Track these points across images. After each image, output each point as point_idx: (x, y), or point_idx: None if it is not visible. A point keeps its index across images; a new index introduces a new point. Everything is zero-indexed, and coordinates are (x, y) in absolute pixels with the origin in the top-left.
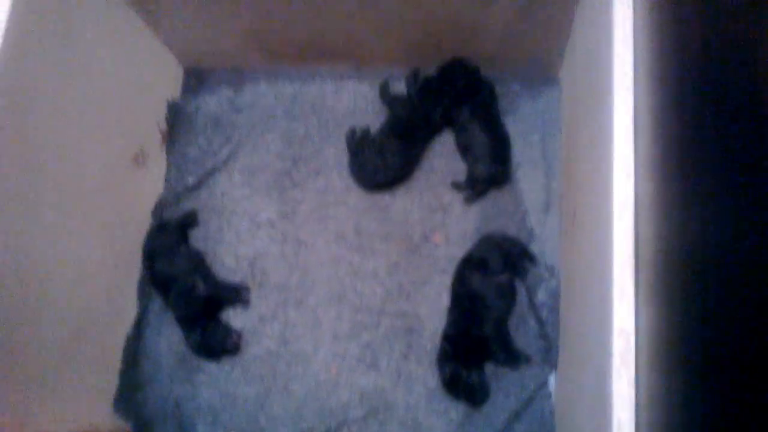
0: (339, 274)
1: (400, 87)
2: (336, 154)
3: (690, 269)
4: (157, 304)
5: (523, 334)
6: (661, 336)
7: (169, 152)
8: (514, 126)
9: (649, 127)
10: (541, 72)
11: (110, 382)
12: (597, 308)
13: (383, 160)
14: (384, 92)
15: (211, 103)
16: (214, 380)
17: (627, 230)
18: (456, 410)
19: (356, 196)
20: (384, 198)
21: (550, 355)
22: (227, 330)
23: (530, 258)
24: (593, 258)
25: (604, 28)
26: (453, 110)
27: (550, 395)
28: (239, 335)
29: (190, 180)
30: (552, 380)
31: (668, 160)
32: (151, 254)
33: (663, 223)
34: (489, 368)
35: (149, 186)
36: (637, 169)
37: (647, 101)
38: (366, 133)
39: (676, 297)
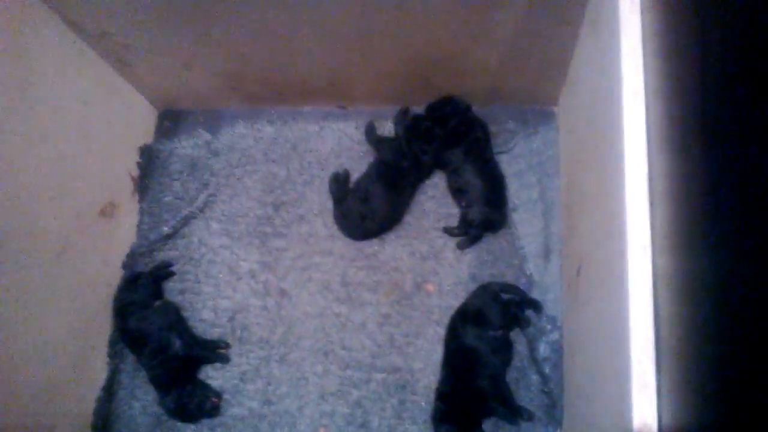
0: (325, 328)
1: (387, 127)
2: (320, 199)
3: (721, 356)
4: (129, 363)
5: (525, 389)
6: None
7: (141, 200)
8: (509, 166)
9: (666, 191)
10: (537, 107)
11: None
12: (612, 394)
13: (369, 208)
14: (370, 133)
15: (187, 146)
16: None
17: (645, 309)
18: None
19: (342, 243)
20: (372, 245)
21: (554, 413)
22: (206, 390)
23: (534, 306)
24: (605, 332)
25: (610, 64)
26: (444, 151)
27: None
28: (219, 395)
29: (165, 229)
30: None
31: (691, 230)
32: (122, 310)
33: (686, 302)
34: (488, 426)
35: (120, 237)
36: (654, 239)
37: (663, 156)
38: (347, 177)
39: (704, 389)
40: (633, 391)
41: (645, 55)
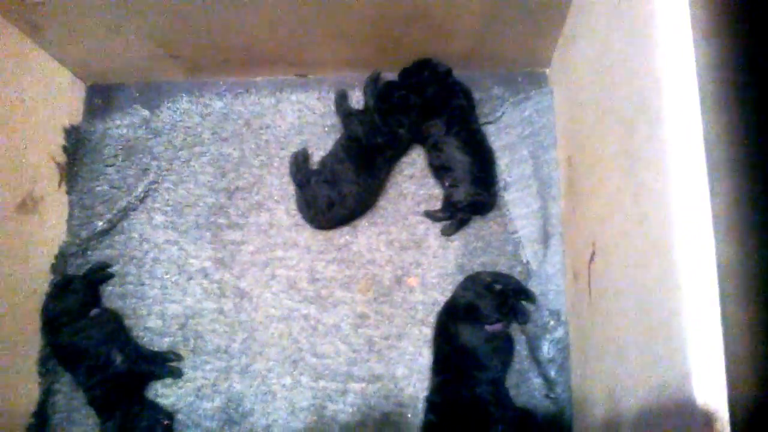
0: (293, 333)
1: (355, 96)
2: (280, 183)
3: None
4: (65, 383)
5: (527, 395)
6: None
7: (70, 190)
8: (497, 139)
9: (727, 158)
10: (527, 70)
11: None
12: (652, 415)
13: (338, 193)
14: (340, 104)
15: (122, 125)
16: None
17: (709, 308)
18: None
19: (309, 234)
20: (343, 235)
21: (562, 422)
22: (155, 411)
23: (527, 296)
24: (644, 335)
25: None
26: (422, 124)
27: None
28: (171, 417)
29: (99, 223)
30: None
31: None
32: (52, 322)
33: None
34: None
35: (46, 235)
36: (716, 218)
37: (722, 116)
38: (306, 157)
39: None
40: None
41: None
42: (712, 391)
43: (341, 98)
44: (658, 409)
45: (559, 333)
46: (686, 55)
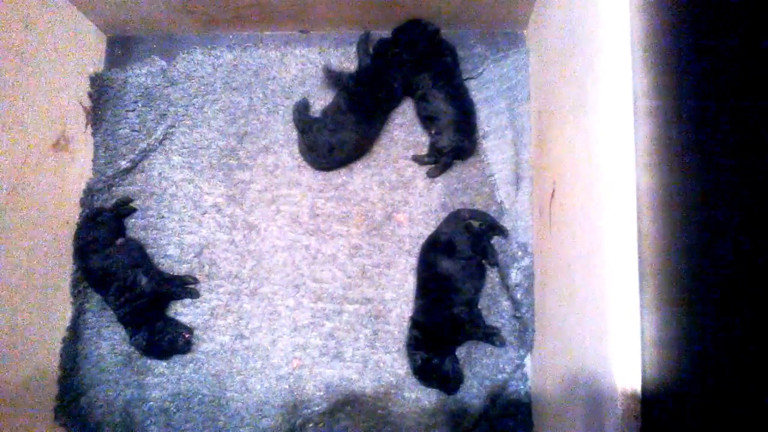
0: (295, 260)
1: (350, 51)
2: (285, 129)
3: (706, 276)
4: (95, 302)
5: (496, 315)
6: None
7: (95, 132)
8: (478, 92)
9: (649, 108)
10: (506, 30)
11: (50, 390)
12: (589, 317)
13: (339, 140)
14: (362, 46)
15: (141, 74)
16: (165, 381)
17: (627, 229)
18: (428, 398)
19: (310, 174)
20: (340, 175)
21: (525, 337)
22: (177, 326)
23: (501, 232)
24: (582, 254)
25: None
26: (412, 78)
27: (526, 378)
28: (190, 331)
29: (122, 163)
30: (528, 362)
31: (676, 146)
32: (83, 248)
33: (669, 220)
34: (462, 354)
35: (76, 172)
36: (638, 155)
37: (649, 72)
38: (306, 106)
39: (690, 313)
40: (612, 315)
41: None
42: (627, 270)
43: (363, 43)
44: (594, 299)
45: (525, 262)
46: (622, 25)
